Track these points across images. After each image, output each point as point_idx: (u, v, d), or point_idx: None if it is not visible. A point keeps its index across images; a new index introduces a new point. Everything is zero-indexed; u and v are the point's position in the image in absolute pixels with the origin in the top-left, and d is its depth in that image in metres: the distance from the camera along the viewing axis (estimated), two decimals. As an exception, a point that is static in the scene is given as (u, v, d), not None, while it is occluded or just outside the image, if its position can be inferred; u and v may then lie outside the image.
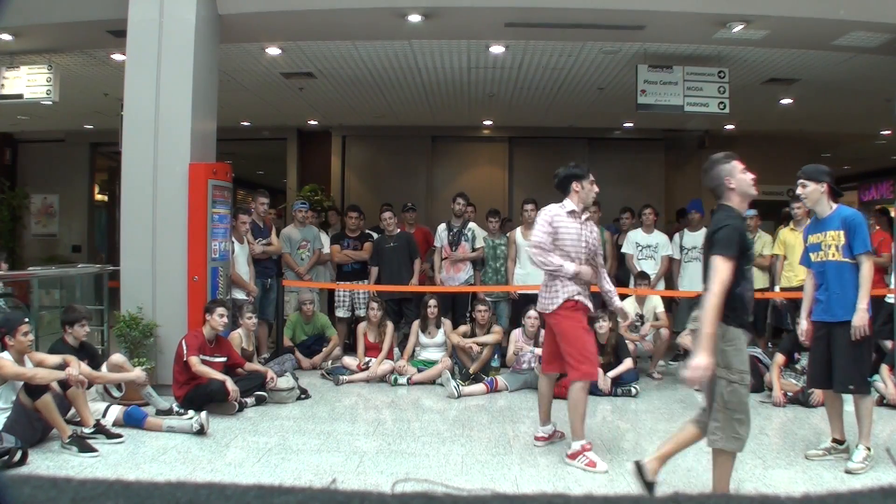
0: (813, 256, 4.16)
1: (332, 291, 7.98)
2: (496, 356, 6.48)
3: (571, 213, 4.24)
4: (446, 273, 7.38)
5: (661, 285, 7.40)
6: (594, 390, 5.87)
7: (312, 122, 11.84)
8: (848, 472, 3.96)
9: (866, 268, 3.93)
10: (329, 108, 10.29)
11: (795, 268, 6.36)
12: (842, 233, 3.97)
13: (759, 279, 7.13)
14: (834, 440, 4.24)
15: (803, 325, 4.30)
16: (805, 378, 5.32)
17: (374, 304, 6.61)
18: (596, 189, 4.34)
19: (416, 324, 6.64)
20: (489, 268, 7.45)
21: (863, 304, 3.93)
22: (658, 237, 7.50)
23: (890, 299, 6.12)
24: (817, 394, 5.17)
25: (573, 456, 4.04)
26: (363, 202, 9.75)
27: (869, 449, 4.04)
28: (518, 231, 7.23)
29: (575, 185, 4.26)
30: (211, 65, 6.07)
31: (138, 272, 5.68)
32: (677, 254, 7.49)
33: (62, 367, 4.29)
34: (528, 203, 7.19)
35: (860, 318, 3.91)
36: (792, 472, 3.99)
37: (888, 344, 5.92)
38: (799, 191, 4.10)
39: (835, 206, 4.08)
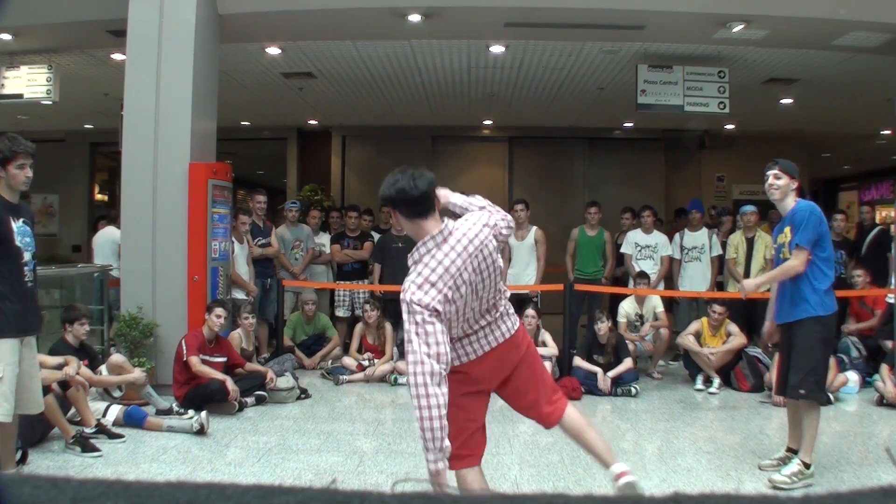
0: (780, 257, 3.94)
1: (332, 291, 7.99)
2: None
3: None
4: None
5: (661, 285, 7.39)
6: (594, 390, 5.89)
7: (312, 122, 11.84)
8: (771, 482, 3.70)
9: (792, 260, 3.70)
10: (329, 108, 10.29)
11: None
12: (788, 228, 3.82)
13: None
14: (789, 449, 3.99)
15: (766, 327, 4.10)
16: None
17: (368, 307, 6.59)
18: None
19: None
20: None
21: (760, 279, 4.14)
22: (657, 237, 7.51)
23: (890, 299, 6.12)
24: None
25: None
26: (363, 202, 9.74)
27: (807, 466, 3.74)
28: None
29: None
30: (211, 65, 6.06)
31: (138, 272, 5.68)
32: (677, 254, 7.49)
33: (62, 367, 4.29)
34: (519, 203, 7.25)
35: (749, 283, 4.10)
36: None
37: (888, 344, 5.92)
38: (771, 181, 3.85)
39: (794, 203, 3.86)
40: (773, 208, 8.85)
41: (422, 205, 2.42)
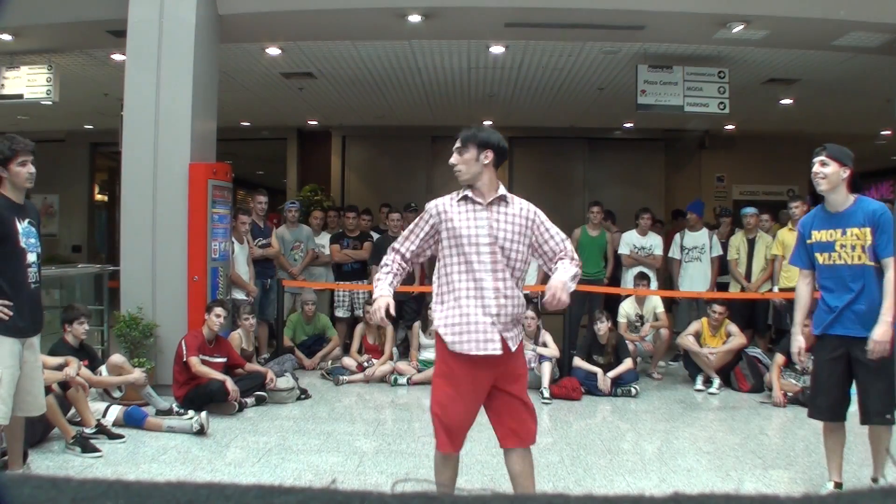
0: (821, 258, 3.40)
1: (331, 291, 7.98)
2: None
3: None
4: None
5: (655, 280, 7.37)
6: (594, 390, 5.89)
7: (312, 122, 11.84)
8: None
9: (893, 273, 3.20)
10: (329, 108, 10.29)
11: (794, 268, 6.35)
12: (868, 230, 3.26)
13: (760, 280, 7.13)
14: (836, 484, 3.46)
15: (800, 342, 3.52)
16: (805, 380, 5.32)
17: (369, 308, 6.58)
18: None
19: (417, 325, 6.64)
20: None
21: (888, 316, 3.17)
22: (652, 239, 7.51)
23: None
24: None
25: None
26: (363, 202, 9.75)
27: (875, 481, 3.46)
28: None
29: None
30: (211, 65, 6.06)
31: (138, 272, 5.68)
32: (677, 254, 7.49)
33: (62, 368, 4.29)
34: None
35: (882, 332, 3.14)
36: (792, 472, 3.99)
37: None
38: (817, 168, 3.34)
39: (853, 197, 3.36)
40: (781, 209, 8.87)
41: (503, 161, 3.06)
